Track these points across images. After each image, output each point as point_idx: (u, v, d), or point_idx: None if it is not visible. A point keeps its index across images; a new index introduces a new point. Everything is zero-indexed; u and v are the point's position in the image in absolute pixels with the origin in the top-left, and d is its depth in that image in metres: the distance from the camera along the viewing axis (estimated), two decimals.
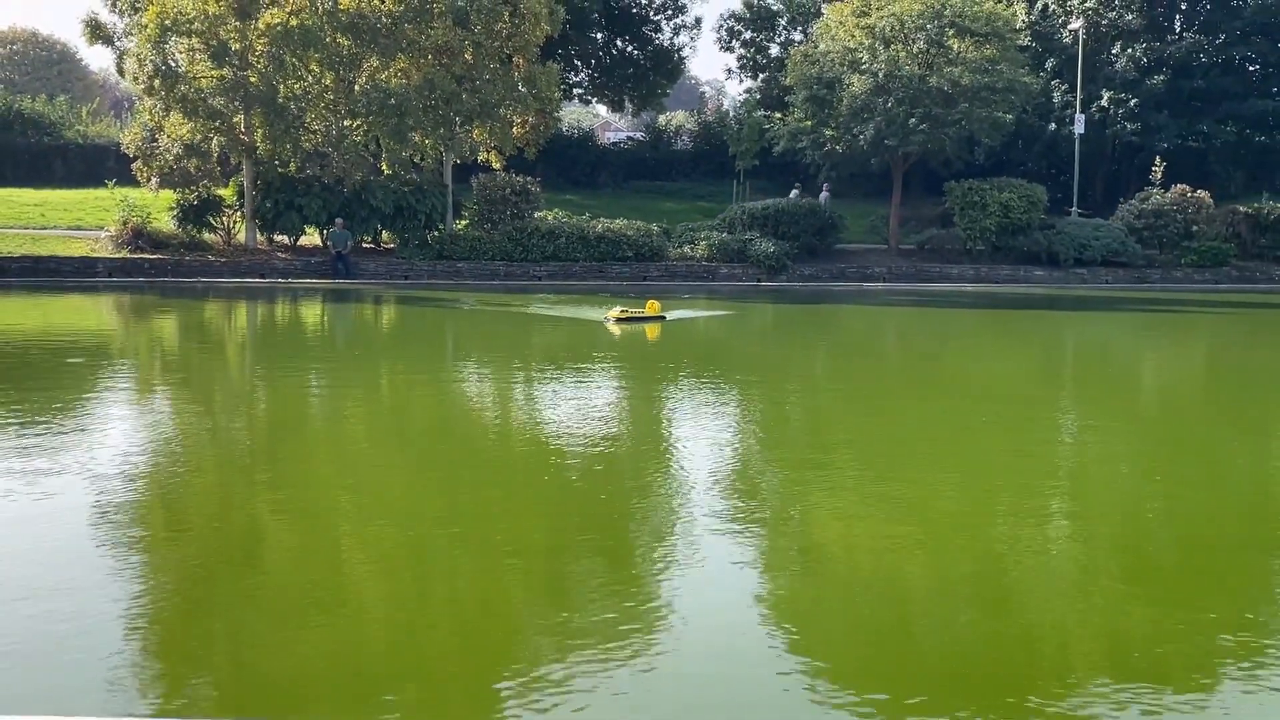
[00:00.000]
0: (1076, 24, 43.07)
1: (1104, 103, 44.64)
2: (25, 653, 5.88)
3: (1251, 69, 47.38)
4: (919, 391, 16.36)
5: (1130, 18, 43.79)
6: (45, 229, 34.65)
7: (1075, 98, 42.93)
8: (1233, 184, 46.68)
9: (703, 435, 12.21)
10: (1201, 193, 37.89)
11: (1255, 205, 39.48)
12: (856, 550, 8.18)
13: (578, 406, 13.81)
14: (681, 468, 10.59)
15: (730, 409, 14.25)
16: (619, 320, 21.37)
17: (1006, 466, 11.05)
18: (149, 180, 32.37)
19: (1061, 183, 43.54)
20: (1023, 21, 42.26)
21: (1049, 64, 45.26)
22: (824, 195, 38.64)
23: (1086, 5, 44.14)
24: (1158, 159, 39.91)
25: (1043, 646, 6.41)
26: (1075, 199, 41.52)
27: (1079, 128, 41.81)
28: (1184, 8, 46.78)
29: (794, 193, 38.84)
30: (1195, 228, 37.16)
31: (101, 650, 5.94)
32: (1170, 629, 6.64)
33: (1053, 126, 45.02)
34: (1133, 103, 44.05)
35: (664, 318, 22.11)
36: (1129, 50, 44.11)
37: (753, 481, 10.20)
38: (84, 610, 6.51)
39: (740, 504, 9.28)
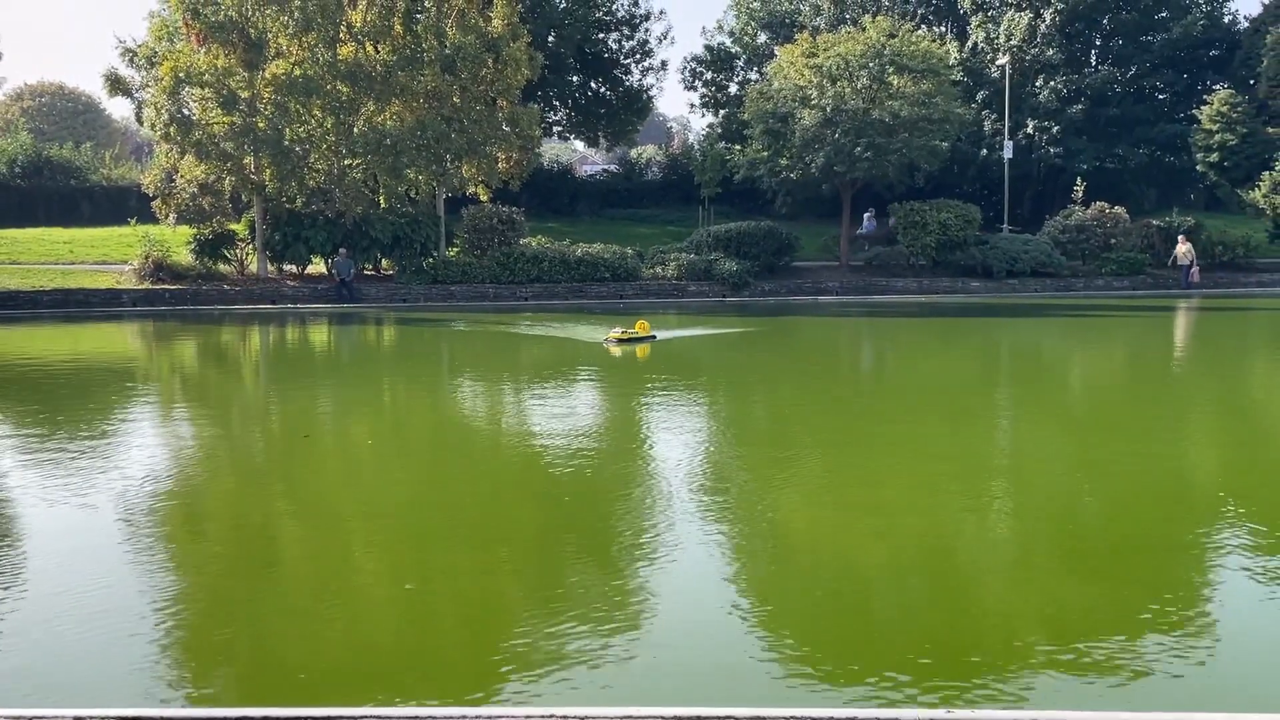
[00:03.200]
0: (1003, 60, 43.42)
1: (1029, 130, 44.97)
2: (65, 647, 5.88)
3: (1161, 97, 47.81)
4: (878, 391, 16.48)
5: (1051, 53, 44.15)
6: (74, 264, 34.48)
7: (1004, 126, 43.25)
8: (1146, 200, 47.09)
9: (696, 438, 12.27)
10: (1118, 209, 38.21)
11: (1166, 219, 39.79)
12: (819, 535, 8.25)
13: (582, 416, 13.85)
14: (666, 465, 10.64)
15: (709, 413, 14.32)
16: (620, 341, 20.69)
17: (951, 456, 11.14)
18: (168, 217, 32.30)
19: (993, 202, 43.84)
20: (955, 58, 42.62)
21: (979, 96, 45.57)
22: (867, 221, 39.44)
23: (1012, 43, 44.48)
24: (1079, 179, 40.20)
25: (985, 617, 6.49)
26: (1006, 217, 41.80)
27: (1008, 153, 42.12)
28: (1099, 43, 47.22)
29: (867, 219, 39.50)
30: (1113, 240, 37.48)
31: (131, 643, 5.94)
32: (1099, 602, 6.73)
33: (984, 152, 45.31)
34: (1055, 130, 44.40)
35: (654, 336, 21.41)
36: (1051, 83, 44.46)
37: (726, 474, 10.26)
38: (115, 605, 6.51)
39: (714, 495, 9.34)
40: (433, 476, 10.51)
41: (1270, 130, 38.75)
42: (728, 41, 51.11)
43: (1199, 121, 40.56)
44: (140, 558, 7.55)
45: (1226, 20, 46.97)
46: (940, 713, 4.35)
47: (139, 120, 35.23)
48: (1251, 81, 41.01)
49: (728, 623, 6.24)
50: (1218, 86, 43.68)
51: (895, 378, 18.44)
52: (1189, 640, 5.92)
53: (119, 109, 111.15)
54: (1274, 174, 37.45)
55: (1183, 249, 36.50)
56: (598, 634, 5.97)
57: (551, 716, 4.25)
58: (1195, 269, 36.38)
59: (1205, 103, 40.89)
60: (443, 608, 6.68)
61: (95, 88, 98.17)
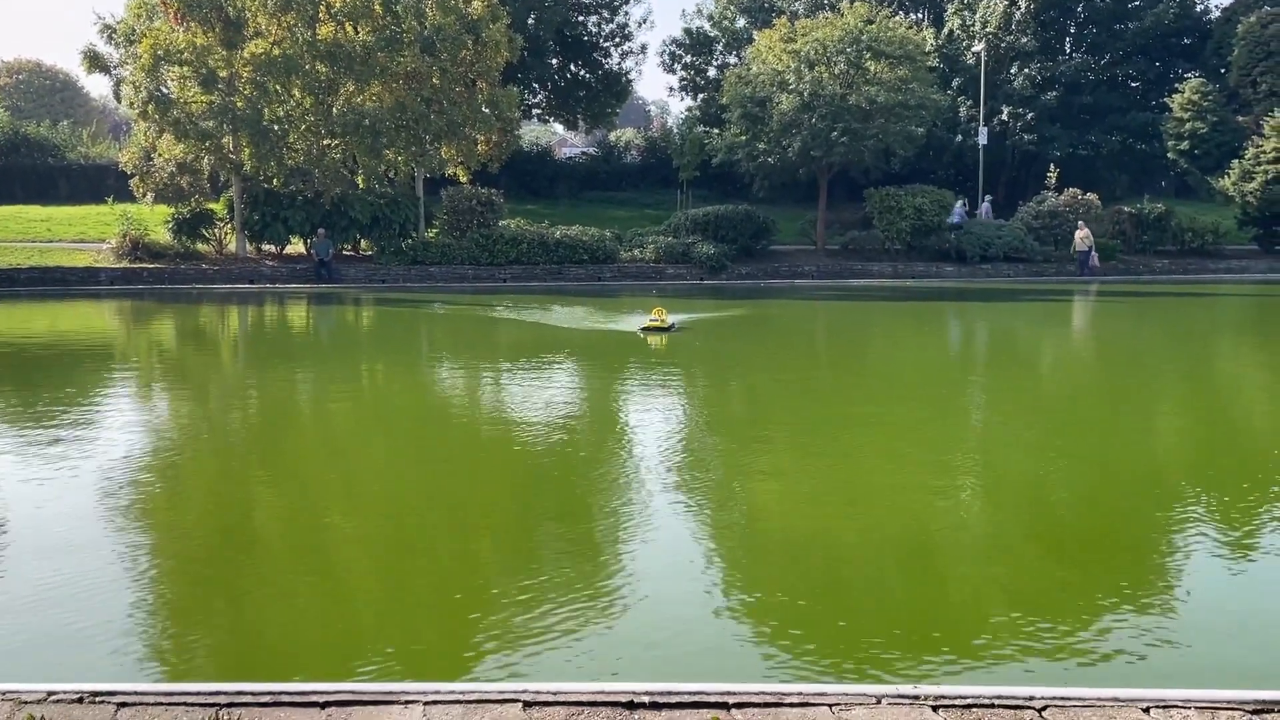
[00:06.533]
0: (978, 47, 43.48)
1: (1004, 116, 45.13)
2: (39, 622, 5.83)
3: (1133, 85, 48.07)
4: (856, 376, 16.53)
5: (1025, 41, 44.26)
6: (52, 242, 34.11)
7: (979, 112, 43.35)
8: (1118, 187, 47.35)
9: (681, 422, 12.25)
10: (1091, 195, 38.35)
11: (1137, 205, 40.03)
12: (795, 515, 8.27)
13: (562, 400, 13.84)
14: (655, 448, 10.62)
15: (695, 398, 14.33)
16: (656, 330, 19.66)
17: (925, 439, 11.18)
18: (145, 196, 31.98)
19: (968, 188, 43.98)
20: (931, 45, 42.64)
21: (955, 83, 45.65)
22: (984, 207, 39.53)
23: (987, 30, 44.56)
24: (1052, 166, 40.38)
25: (956, 595, 6.52)
26: (980, 203, 41.94)
27: (982, 139, 42.23)
28: (1073, 31, 47.39)
29: (986, 204, 40.17)
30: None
31: (110, 620, 5.90)
32: (1067, 581, 6.78)
33: (959, 138, 45.43)
34: (1029, 116, 44.58)
35: (672, 326, 20.03)
36: (1025, 70, 44.60)
37: (708, 456, 10.28)
38: (92, 582, 6.46)
39: (693, 476, 9.35)
40: (425, 459, 10.48)
41: (1240, 119, 39.05)
42: (707, 25, 51.00)
43: (1170, 109, 40.82)
44: (118, 535, 7.49)
45: (1198, 9, 47.23)
46: (908, 688, 4.37)
47: (117, 98, 34.85)
48: (1222, 70, 41.30)
49: (701, 600, 6.25)
50: (1189, 75, 44.01)
51: (871, 362, 18.49)
52: (1156, 618, 5.97)
53: (97, 87, 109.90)
54: (1243, 162, 37.71)
55: (1080, 235, 36.24)
56: (574, 611, 5.97)
57: (524, 692, 4.24)
58: (1094, 256, 36.28)
59: (1177, 91, 41.16)
60: (422, 585, 6.66)
61: (73, 65, 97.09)
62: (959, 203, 39.60)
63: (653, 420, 12.05)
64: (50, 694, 4.20)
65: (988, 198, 40.93)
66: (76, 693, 4.21)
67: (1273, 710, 4.20)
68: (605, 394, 14.16)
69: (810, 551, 7.25)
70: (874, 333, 22.50)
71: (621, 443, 10.84)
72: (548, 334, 21.10)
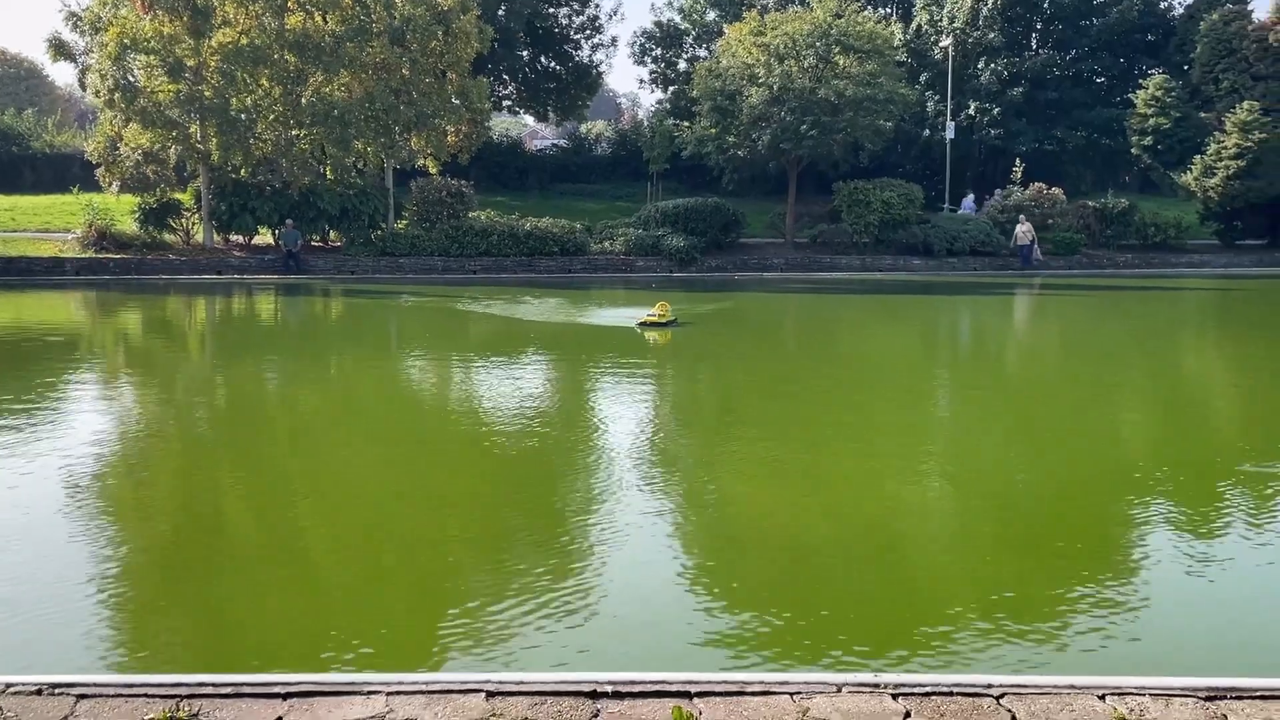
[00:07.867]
0: (946, 42, 43.67)
1: (971, 111, 45.34)
2: (7, 614, 5.77)
3: (1098, 81, 48.40)
4: (829, 368, 16.58)
5: (992, 36, 44.48)
6: (16, 232, 33.66)
7: (946, 107, 43.53)
8: (1083, 182, 47.70)
9: (655, 415, 12.23)
10: (1056, 190, 38.61)
11: (1102, 200, 40.33)
12: (764, 508, 8.29)
13: (529, 392, 13.79)
14: (634, 439, 10.61)
15: (669, 390, 14.31)
16: (654, 324, 19.49)
17: (894, 430, 11.24)
18: (111, 186, 31.61)
19: (935, 182, 44.14)
20: (900, 40, 42.77)
21: (923, 77, 45.82)
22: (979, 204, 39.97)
23: (955, 25, 44.76)
24: (1018, 160, 40.60)
25: (918, 586, 6.57)
26: (947, 196, 42.15)
27: (950, 134, 42.43)
28: (1039, 27, 47.65)
29: (967, 201, 40.62)
30: (1051, 220, 37.86)
31: (69, 611, 5.85)
32: (1027, 570, 6.84)
33: (927, 133, 45.60)
34: (996, 111, 44.81)
35: (675, 322, 19.78)
36: (992, 65, 44.83)
37: (681, 449, 10.29)
38: (61, 575, 6.39)
39: (665, 469, 9.35)
40: (411, 452, 10.43)
41: (1203, 115, 39.38)
42: (677, 18, 50.90)
43: (1134, 105, 41.11)
44: (79, 525, 7.41)
45: (1162, 6, 47.58)
46: (868, 676, 4.40)
47: (83, 86, 34.37)
48: (1185, 67, 41.62)
49: (666, 592, 6.26)
50: (1153, 71, 44.30)
51: (843, 355, 18.57)
52: (1114, 607, 6.03)
53: (62, 75, 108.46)
54: (1205, 158, 38.07)
55: (1021, 229, 36.48)
56: (540, 602, 5.97)
57: (487, 682, 4.24)
58: (1036, 249, 36.54)
59: (1141, 87, 41.44)
60: (394, 576, 6.63)
61: (38, 53, 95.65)
62: (969, 196, 40.03)
63: (667, 419, 12.05)
64: (8, 686, 4.15)
65: (998, 191, 41.25)
66: (35, 685, 4.17)
67: (1225, 697, 4.26)
68: (617, 392, 14.11)
69: (780, 542, 7.27)
70: (859, 326, 22.57)
71: (631, 441, 10.81)
72: (541, 330, 20.62)
